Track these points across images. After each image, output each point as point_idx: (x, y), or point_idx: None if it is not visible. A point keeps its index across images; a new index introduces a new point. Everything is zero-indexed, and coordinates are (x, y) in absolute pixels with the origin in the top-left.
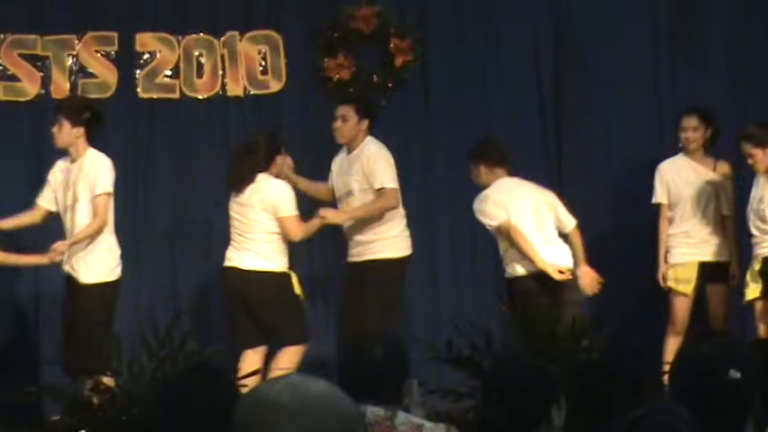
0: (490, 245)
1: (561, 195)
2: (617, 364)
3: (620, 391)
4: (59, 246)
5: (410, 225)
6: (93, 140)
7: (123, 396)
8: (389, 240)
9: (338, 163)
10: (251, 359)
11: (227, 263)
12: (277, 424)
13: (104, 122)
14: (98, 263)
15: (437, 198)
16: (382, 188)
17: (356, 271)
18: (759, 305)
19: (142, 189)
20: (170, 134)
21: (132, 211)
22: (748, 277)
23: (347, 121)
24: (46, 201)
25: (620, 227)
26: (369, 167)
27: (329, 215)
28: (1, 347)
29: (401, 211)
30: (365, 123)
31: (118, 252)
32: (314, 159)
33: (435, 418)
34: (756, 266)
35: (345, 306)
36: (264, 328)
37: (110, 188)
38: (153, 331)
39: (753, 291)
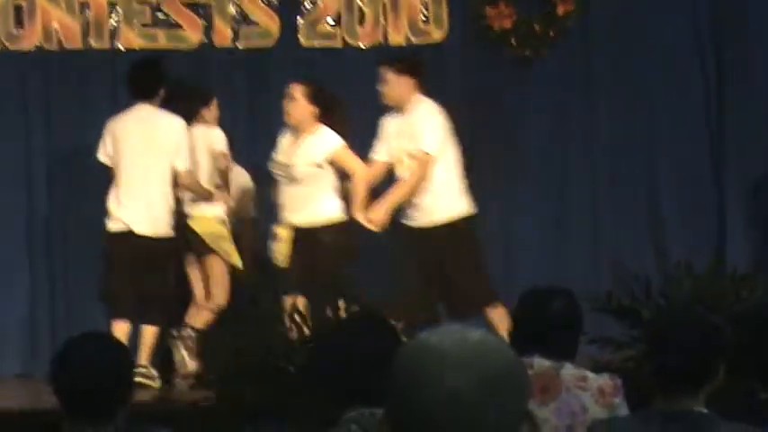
0: (648, 195)
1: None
2: None
3: None
4: None
5: (573, 173)
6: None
7: (283, 345)
8: (453, 201)
9: (391, 124)
10: None
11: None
12: (441, 372)
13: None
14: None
15: (601, 144)
16: (420, 151)
17: (423, 236)
18: None
19: None
20: (331, 83)
21: None
22: None
23: (388, 82)
24: None
25: None
26: (415, 129)
27: (375, 221)
28: None
29: (458, 170)
30: (410, 82)
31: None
32: (475, 108)
33: (596, 368)
34: None
35: (423, 275)
36: None
37: None
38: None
39: None
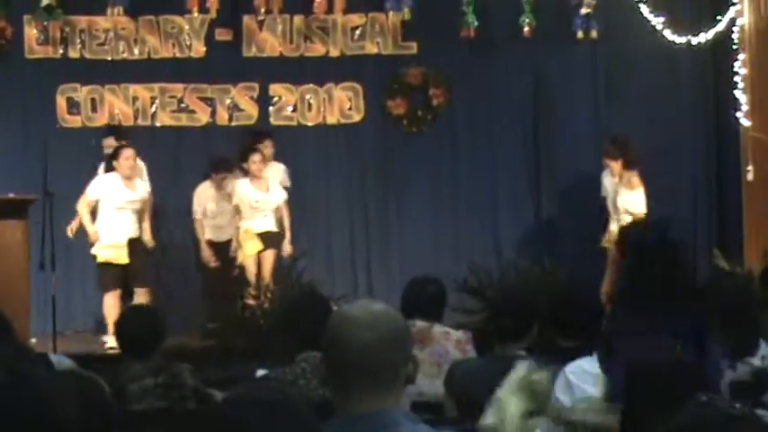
0: (491, 217)
1: (540, 187)
2: (576, 294)
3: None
4: None
5: (443, 203)
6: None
7: (261, 312)
8: None
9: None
10: None
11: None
12: (355, 331)
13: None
14: None
15: (461, 183)
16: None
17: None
18: None
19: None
20: (291, 149)
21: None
22: None
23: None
24: None
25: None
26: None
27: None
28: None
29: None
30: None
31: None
32: (380, 165)
33: (457, 327)
34: None
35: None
36: None
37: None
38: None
39: None
